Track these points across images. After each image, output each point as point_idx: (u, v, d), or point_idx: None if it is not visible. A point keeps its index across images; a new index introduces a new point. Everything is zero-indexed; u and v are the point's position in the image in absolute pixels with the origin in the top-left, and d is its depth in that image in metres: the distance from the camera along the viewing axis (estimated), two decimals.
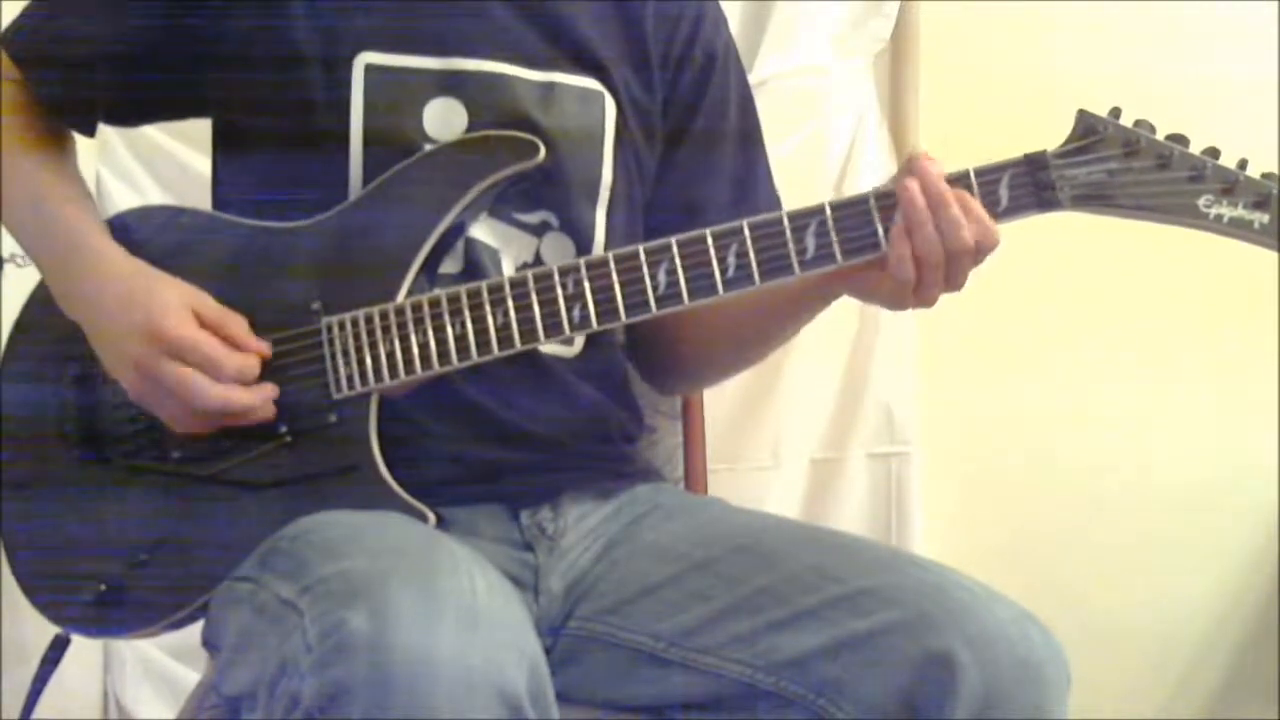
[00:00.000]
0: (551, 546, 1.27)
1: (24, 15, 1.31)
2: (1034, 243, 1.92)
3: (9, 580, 1.30)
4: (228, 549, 1.17)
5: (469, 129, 1.25)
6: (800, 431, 2.34)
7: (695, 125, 1.37)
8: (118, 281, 1.22)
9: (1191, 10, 2.29)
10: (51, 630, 1.30)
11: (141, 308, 1.19)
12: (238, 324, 1.21)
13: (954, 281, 1.15)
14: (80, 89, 1.30)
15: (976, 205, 1.13)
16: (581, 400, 1.30)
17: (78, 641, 1.31)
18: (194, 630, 1.24)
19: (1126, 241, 2.00)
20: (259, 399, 1.19)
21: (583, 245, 1.29)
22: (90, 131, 1.36)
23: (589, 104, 1.30)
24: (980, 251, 1.14)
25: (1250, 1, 2.28)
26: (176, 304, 1.19)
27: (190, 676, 1.95)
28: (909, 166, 1.15)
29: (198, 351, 1.18)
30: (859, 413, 2.33)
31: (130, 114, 1.42)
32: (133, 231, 1.30)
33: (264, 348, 1.21)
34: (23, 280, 1.31)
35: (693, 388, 1.51)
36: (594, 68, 1.31)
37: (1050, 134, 1.14)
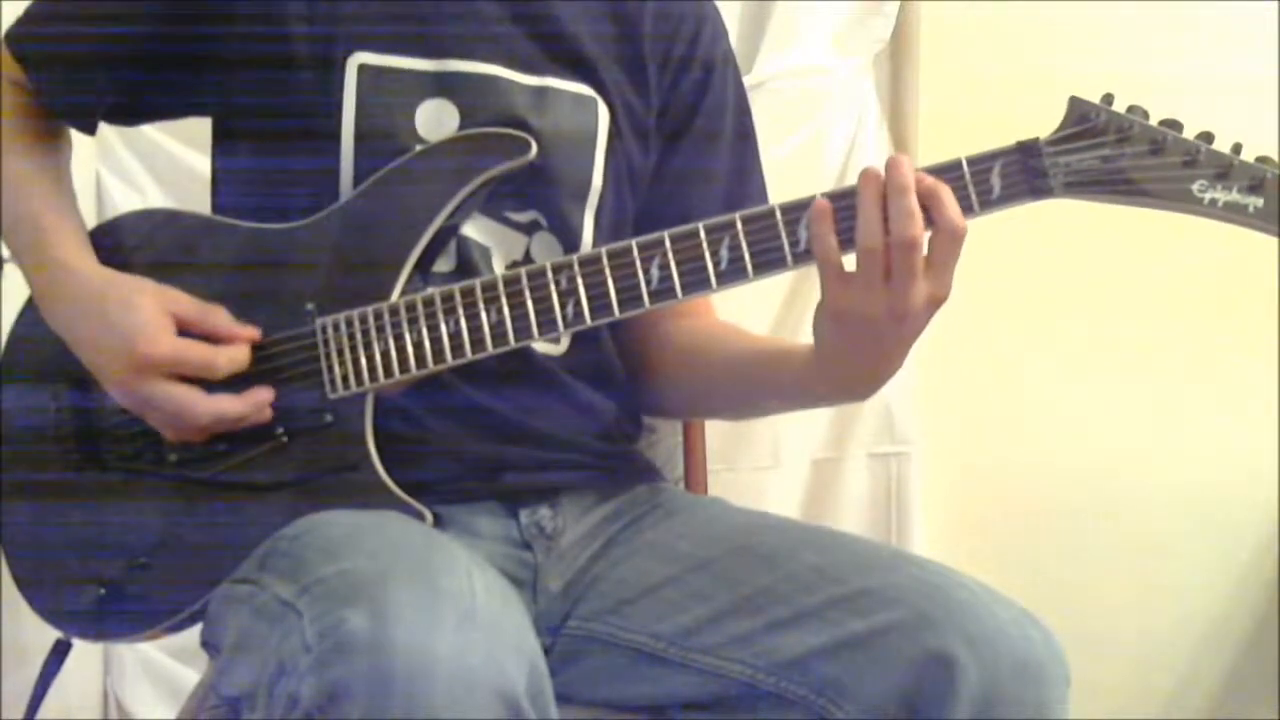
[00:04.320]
0: (550, 546, 1.27)
1: (26, 14, 1.31)
2: (1034, 243, 1.94)
3: (9, 582, 1.30)
4: (226, 551, 1.17)
5: (461, 130, 1.25)
6: (800, 431, 2.34)
7: (691, 132, 1.37)
8: (89, 298, 1.22)
9: (1191, 10, 2.29)
10: (52, 632, 1.30)
11: (118, 331, 1.19)
12: (218, 316, 1.21)
13: (897, 279, 1.10)
14: (81, 88, 1.30)
15: (948, 197, 1.11)
16: (578, 397, 1.30)
17: (78, 642, 1.31)
18: (194, 630, 1.24)
19: (1127, 242, 2.01)
20: (251, 407, 1.20)
21: (570, 246, 1.29)
22: (91, 130, 1.36)
23: (581, 108, 1.30)
24: (937, 248, 1.11)
25: (1250, 1, 2.28)
26: (152, 317, 1.19)
27: (190, 676, 1.95)
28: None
29: (184, 363, 1.18)
30: (859, 413, 2.33)
31: (130, 113, 1.42)
32: (128, 235, 1.30)
33: (252, 333, 1.21)
34: (23, 280, 1.31)
35: (665, 416, 1.50)
36: (588, 72, 1.31)
37: (1050, 131, 1.14)
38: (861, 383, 1.21)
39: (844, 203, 1.13)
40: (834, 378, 1.21)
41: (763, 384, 1.32)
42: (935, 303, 1.12)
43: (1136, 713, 2.41)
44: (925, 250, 1.11)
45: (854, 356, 1.18)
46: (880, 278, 1.11)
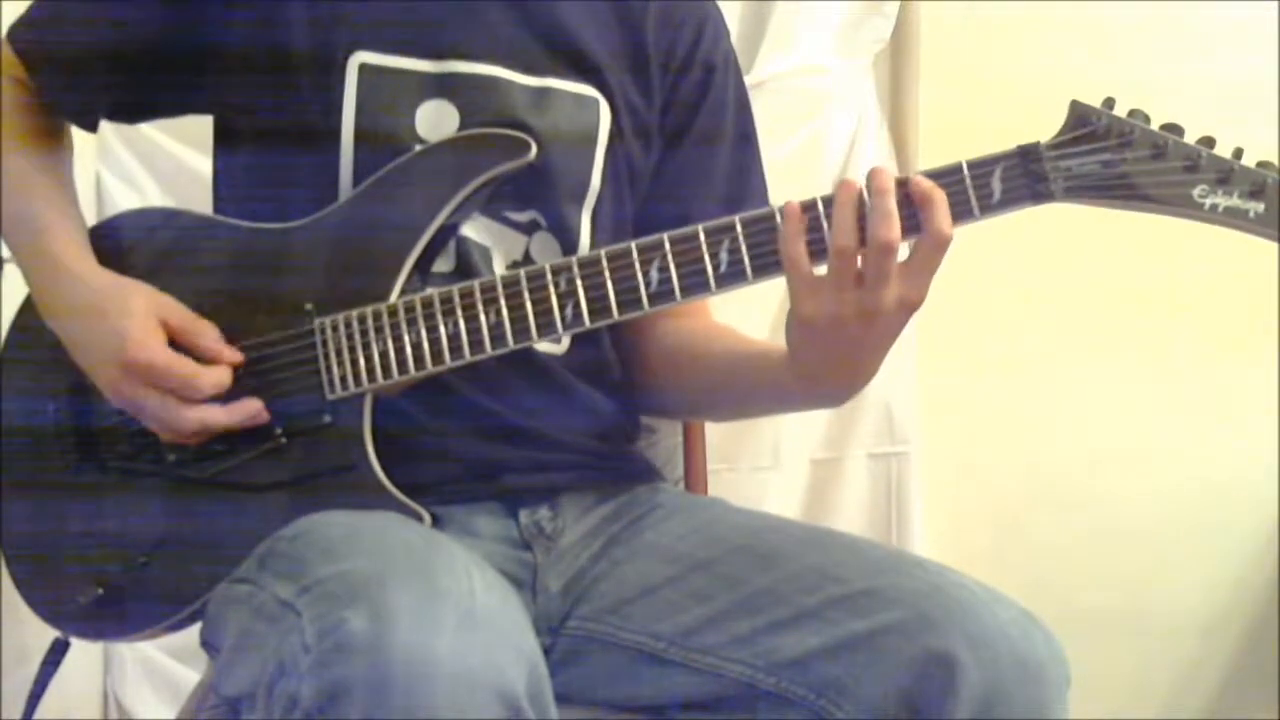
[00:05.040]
0: (550, 546, 1.27)
1: (28, 13, 1.32)
2: (1034, 243, 1.94)
3: (9, 581, 1.30)
4: (225, 550, 1.17)
5: (461, 131, 1.25)
6: (800, 431, 2.34)
7: (691, 132, 1.37)
8: (84, 296, 1.22)
9: (1191, 10, 2.29)
10: (52, 631, 1.30)
11: (110, 331, 1.19)
12: (208, 333, 1.21)
13: (869, 282, 1.10)
14: (83, 87, 1.31)
15: (940, 207, 1.10)
16: (577, 397, 1.30)
17: (78, 642, 1.31)
18: (194, 630, 1.24)
19: (1126, 241, 2.01)
20: (239, 417, 1.20)
21: (568, 246, 1.29)
22: (92, 127, 1.37)
23: (583, 109, 1.30)
24: (925, 250, 1.10)
25: (1250, 1, 2.28)
26: (143, 323, 1.19)
27: (190, 676, 1.95)
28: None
29: (169, 377, 1.18)
30: (859, 413, 2.33)
31: (131, 111, 1.43)
32: (127, 234, 1.30)
33: (235, 356, 1.21)
34: (23, 280, 1.31)
35: (660, 417, 1.49)
36: (590, 73, 1.31)
37: (1050, 134, 1.14)
38: (835, 387, 1.21)
39: (822, 210, 1.12)
40: (807, 382, 1.21)
41: (746, 386, 1.32)
42: (908, 307, 1.12)
43: (1136, 712, 2.42)
44: (904, 254, 1.11)
45: (825, 361, 1.18)
46: (851, 280, 1.11)
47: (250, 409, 1.20)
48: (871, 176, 1.11)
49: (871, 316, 1.11)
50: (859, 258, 1.10)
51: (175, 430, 1.20)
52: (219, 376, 1.20)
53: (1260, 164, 1.09)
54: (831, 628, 1.12)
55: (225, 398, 1.20)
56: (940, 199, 1.10)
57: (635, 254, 1.17)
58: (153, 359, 1.18)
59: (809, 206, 1.13)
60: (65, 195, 1.31)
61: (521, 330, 1.18)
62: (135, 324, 1.19)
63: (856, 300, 1.11)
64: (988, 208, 1.12)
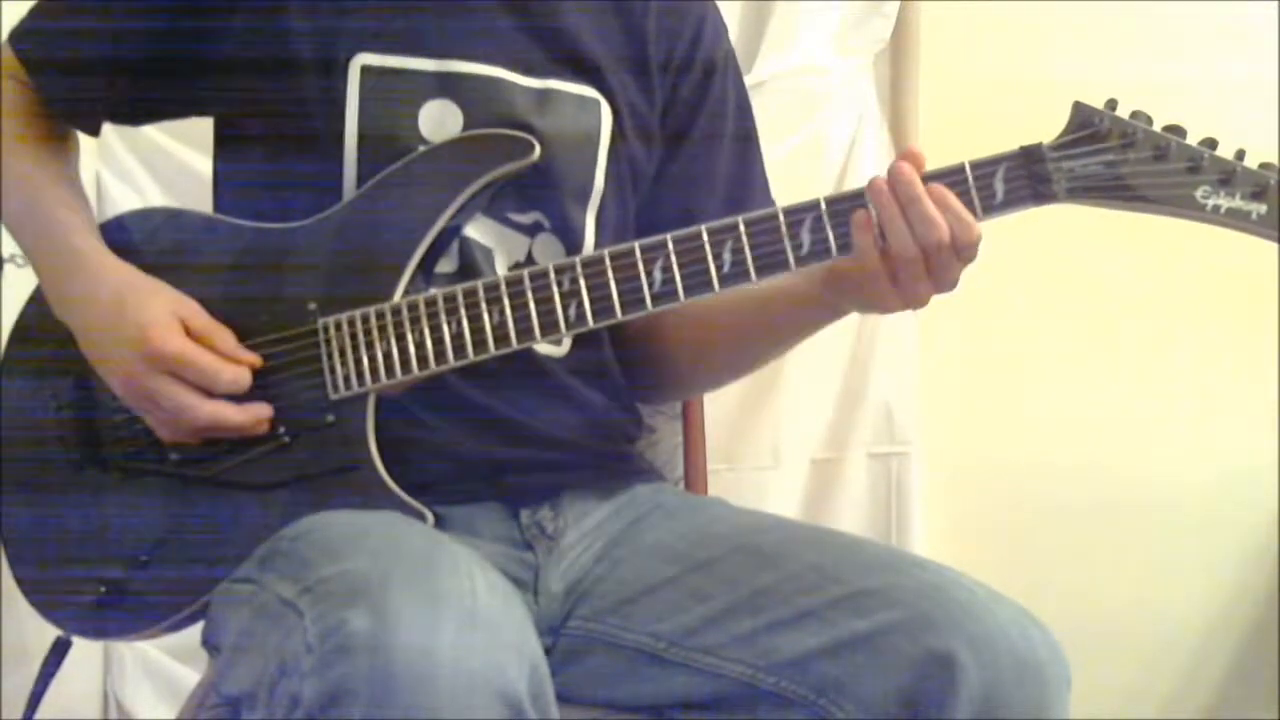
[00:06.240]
0: (551, 546, 1.27)
1: (30, 16, 1.32)
2: (1034, 244, 1.94)
3: (9, 581, 1.30)
4: (227, 550, 1.18)
5: (464, 131, 1.26)
6: (800, 431, 2.34)
7: (693, 132, 1.38)
8: (106, 288, 1.22)
9: (1191, 10, 2.29)
10: (52, 631, 1.31)
11: (131, 320, 1.19)
12: (226, 337, 1.21)
13: (938, 277, 1.14)
14: (84, 90, 1.31)
15: (954, 201, 1.12)
16: (579, 398, 1.30)
17: (78, 642, 1.31)
18: (194, 630, 1.24)
19: (1126, 242, 2.01)
20: (250, 419, 1.20)
21: (572, 247, 1.29)
22: (95, 131, 1.37)
23: (585, 111, 1.31)
24: (960, 248, 1.13)
25: (1250, 1, 2.29)
26: (165, 316, 1.19)
27: (190, 676, 1.95)
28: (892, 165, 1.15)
29: (190, 366, 1.18)
30: (859, 413, 2.34)
31: (133, 114, 1.43)
32: (131, 234, 1.30)
33: (254, 359, 1.21)
34: (23, 280, 1.31)
35: (683, 394, 1.50)
36: (592, 74, 1.31)
37: (1051, 134, 1.14)
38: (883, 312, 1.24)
39: (842, 205, 1.14)
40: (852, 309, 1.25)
41: (759, 315, 1.32)
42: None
43: (1136, 713, 2.42)
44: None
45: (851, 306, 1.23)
46: (922, 279, 1.14)
47: (261, 411, 1.20)
48: (897, 184, 1.12)
49: (940, 289, 1.15)
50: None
51: (186, 422, 1.20)
52: (238, 373, 1.20)
53: (1262, 165, 1.10)
54: (831, 628, 1.12)
55: (234, 399, 1.20)
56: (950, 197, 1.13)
57: (639, 254, 1.17)
58: (175, 348, 1.18)
59: (837, 201, 1.15)
60: (75, 193, 1.31)
61: (525, 330, 1.18)
62: (156, 317, 1.19)
63: (930, 287, 1.15)
64: (990, 208, 1.13)
